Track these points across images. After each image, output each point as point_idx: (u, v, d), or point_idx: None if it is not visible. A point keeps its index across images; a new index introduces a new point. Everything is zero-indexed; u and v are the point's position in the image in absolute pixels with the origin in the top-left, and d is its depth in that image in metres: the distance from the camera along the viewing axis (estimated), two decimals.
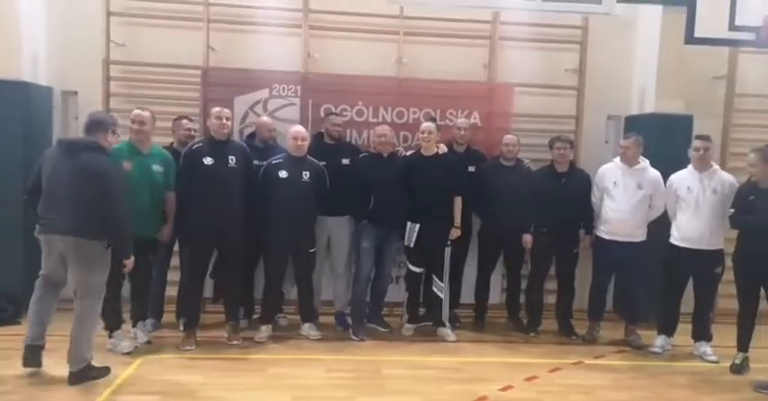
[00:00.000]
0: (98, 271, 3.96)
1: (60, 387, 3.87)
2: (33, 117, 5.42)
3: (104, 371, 4.05)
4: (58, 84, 5.71)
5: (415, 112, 5.84)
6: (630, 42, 6.15)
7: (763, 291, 4.47)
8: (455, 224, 5.15)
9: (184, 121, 5.23)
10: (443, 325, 5.20)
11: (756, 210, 4.31)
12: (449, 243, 5.14)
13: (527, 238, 5.34)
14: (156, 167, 4.59)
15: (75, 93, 5.74)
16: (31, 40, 5.49)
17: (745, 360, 4.61)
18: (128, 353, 4.43)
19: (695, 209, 4.73)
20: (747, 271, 4.44)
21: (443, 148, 5.22)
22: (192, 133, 5.20)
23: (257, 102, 5.69)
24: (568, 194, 5.25)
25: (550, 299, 5.62)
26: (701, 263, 4.76)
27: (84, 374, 3.93)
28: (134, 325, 4.71)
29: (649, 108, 5.94)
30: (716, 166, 4.84)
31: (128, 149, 4.53)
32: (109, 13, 5.57)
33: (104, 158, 3.97)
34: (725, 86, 6.08)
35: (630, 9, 5.97)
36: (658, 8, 5.73)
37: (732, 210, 4.52)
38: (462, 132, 5.49)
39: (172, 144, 5.13)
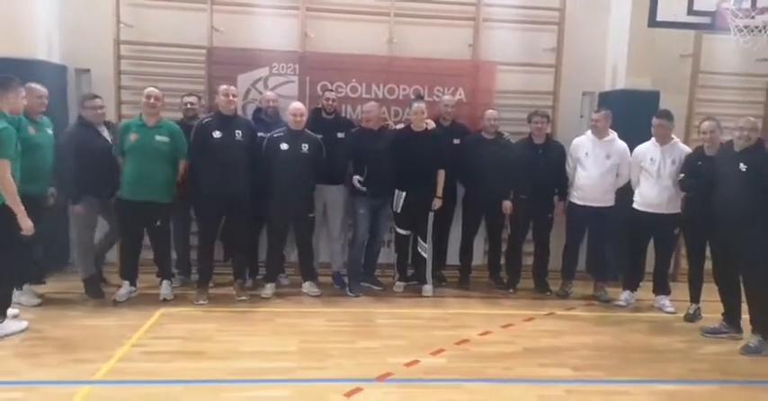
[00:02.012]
0: (73, 216, 5.14)
1: (94, 332, 4.40)
2: (49, 92, 5.77)
3: (97, 293, 5.17)
4: (72, 63, 6.09)
5: (404, 89, 6.30)
6: (604, 23, 6.59)
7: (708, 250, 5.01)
8: (437, 195, 5.65)
9: (185, 97, 5.66)
10: (426, 283, 5.74)
11: (702, 174, 4.84)
12: (432, 209, 5.66)
13: (507, 204, 5.85)
14: (161, 138, 5.07)
15: (88, 70, 6.14)
16: (46, 21, 5.86)
17: (698, 310, 5.20)
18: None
19: (657, 177, 5.24)
20: (695, 230, 5.00)
21: (431, 124, 5.69)
22: (190, 106, 5.60)
23: (258, 80, 6.12)
24: (545, 164, 5.74)
25: (528, 261, 6.16)
26: (661, 226, 5.30)
27: (86, 285, 5.19)
28: (160, 284, 5.27)
29: (620, 85, 6.42)
30: (676, 139, 5.35)
31: (136, 123, 5.11)
32: None
33: (69, 129, 5.15)
34: (691, 64, 6.57)
35: None
36: None
37: (682, 175, 5.06)
38: (449, 109, 5.96)
39: (182, 119, 5.56)
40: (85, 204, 5.07)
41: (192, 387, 3.50)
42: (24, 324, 4.42)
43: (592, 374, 3.94)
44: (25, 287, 4.91)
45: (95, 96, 5.23)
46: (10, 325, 4.33)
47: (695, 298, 5.21)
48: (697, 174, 4.91)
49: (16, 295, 4.76)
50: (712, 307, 5.04)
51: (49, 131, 4.96)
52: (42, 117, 4.94)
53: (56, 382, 3.54)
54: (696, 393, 3.74)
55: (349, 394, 3.47)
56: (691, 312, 5.20)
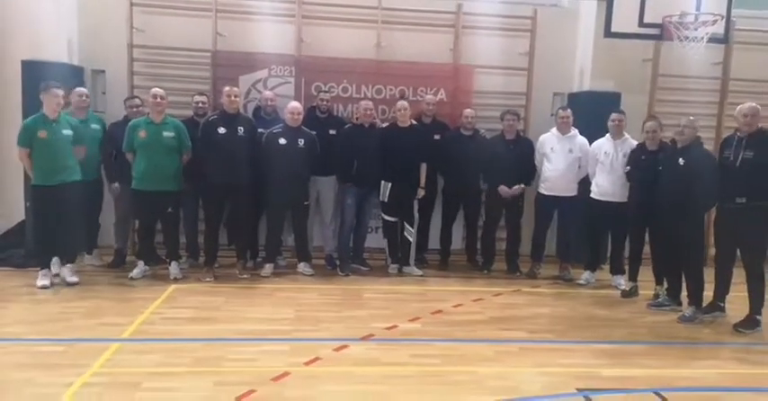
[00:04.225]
0: (113, 195, 6.13)
1: (116, 303, 5.06)
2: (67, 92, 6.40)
3: (116, 264, 6.15)
4: (88, 64, 6.70)
5: (391, 89, 6.97)
6: (572, 31, 7.26)
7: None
8: (420, 185, 6.31)
9: (195, 97, 6.29)
10: (408, 265, 6.41)
11: (645, 167, 5.52)
12: (416, 198, 6.32)
13: (504, 189, 6.41)
14: (167, 133, 5.71)
15: (103, 71, 6.76)
16: (67, 27, 6.48)
17: (634, 287, 5.87)
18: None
19: (610, 169, 5.93)
20: (636, 216, 5.68)
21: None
22: (201, 105, 6.23)
23: (258, 81, 6.77)
24: (515, 158, 6.42)
25: (502, 245, 6.82)
26: (615, 213, 5.94)
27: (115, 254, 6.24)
28: (169, 264, 5.91)
29: (586, 86, 7.09)
30: (627, 135, 6.02)
31: (145, 121, 5.73)
32: (132, 3, 6.58)
33: (115, 123, 6.06)
34: (651, 68, 7.23)
35: (573, 1, 7.15)
36: (595, 1, 6.84)
37: (628, 167, 5.74)
38: (430, 107, 6.62)
39: (192, 116, 6.19)
40: (122, 186, 5.93)
41: (207, 345, 4.17)
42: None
43: (543, 336, 4.64)
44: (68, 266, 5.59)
45: (134, 97, 6.08)
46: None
47: (633, 277, 5.91)
48: (640, 167, 5.58)
49: (62, 270, 5.56)
50: (650, 286, 5.74)
51: (93, 126, 5.90)
52: (90, 113, 6.00)
53: (90, 340, 4.20)
54: (630, 350, 4.42)
55: (337, 349, 4.15)
56: (627, 289, 5.88)
